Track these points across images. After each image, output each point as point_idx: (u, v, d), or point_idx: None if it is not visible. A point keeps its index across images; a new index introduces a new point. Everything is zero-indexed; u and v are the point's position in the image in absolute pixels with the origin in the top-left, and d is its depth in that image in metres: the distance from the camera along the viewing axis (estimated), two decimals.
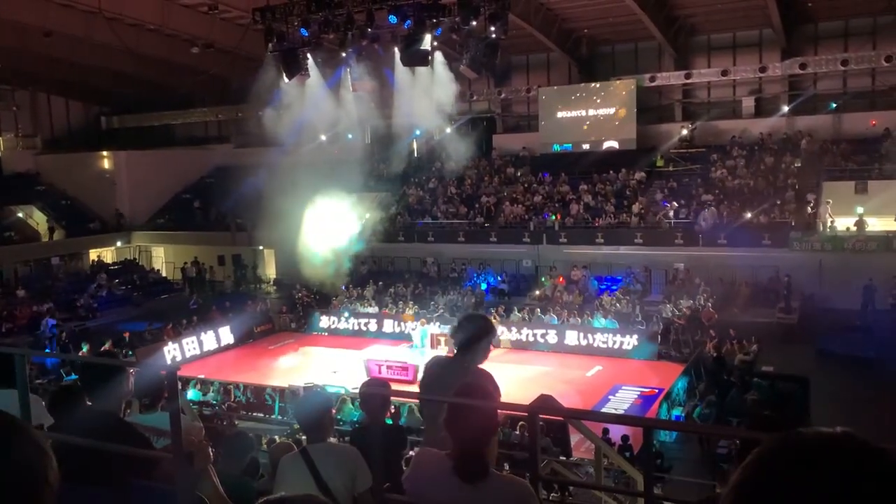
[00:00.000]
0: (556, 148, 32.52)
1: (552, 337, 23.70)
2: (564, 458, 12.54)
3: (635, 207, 27.75)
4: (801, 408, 16.42)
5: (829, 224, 25.32)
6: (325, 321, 27.18)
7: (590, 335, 23.30)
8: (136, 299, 31.21)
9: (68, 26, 27.97)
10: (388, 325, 26.00)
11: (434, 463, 2.96)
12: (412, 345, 23.76)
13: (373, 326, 26.27)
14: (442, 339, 23.40)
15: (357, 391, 17.64)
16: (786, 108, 29.77)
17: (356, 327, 26.49)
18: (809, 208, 25.64)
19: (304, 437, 5.45)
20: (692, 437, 15.15)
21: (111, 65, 32.84)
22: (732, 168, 28.48)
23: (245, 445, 5.47)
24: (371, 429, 3.41)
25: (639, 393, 19.41)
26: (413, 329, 24.35)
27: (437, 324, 24.05)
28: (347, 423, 15.88)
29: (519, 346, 23.88)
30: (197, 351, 24.11)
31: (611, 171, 30.22)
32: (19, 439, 1.18)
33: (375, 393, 3.38)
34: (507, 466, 7.76)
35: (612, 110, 31.26)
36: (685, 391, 19.10)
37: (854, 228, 24.94)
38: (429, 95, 23.55)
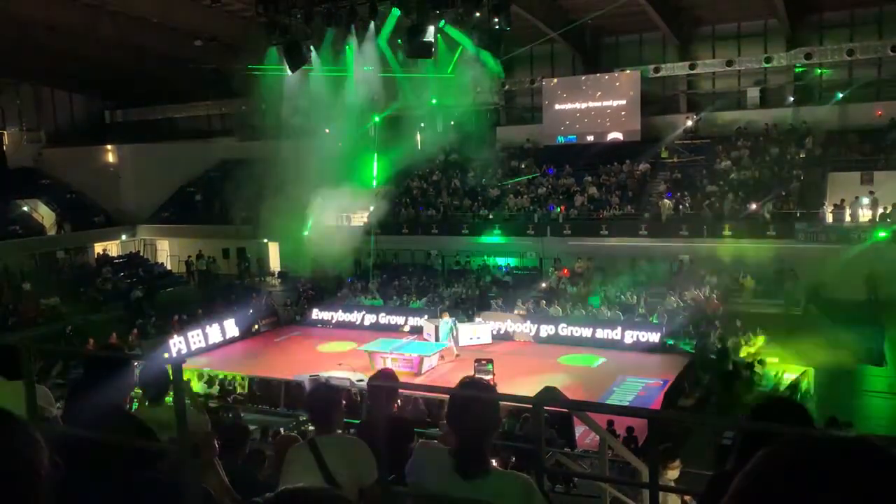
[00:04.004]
0: (560, 140, 32.44)
1: (556, 329, 23.69)
2: (569, 450, 12.55)
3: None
4: (806, 400, 16.44)
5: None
6: (329, 314, 27.22)
7: (594, 327, 23.29)
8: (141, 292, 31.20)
9: (71, 20, 27.95)
10: (393, 318, 26.01)
11: (434, 459, 2.93)
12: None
13: (377, 319, 26.29)
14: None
15: (362, 383, 17.59)
16: (791, 99, 29.63)
17: (361, 320, 26.53)
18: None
19: (311, 429, 5.45)
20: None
21: (114, 58, 32.80)
22: (737, 159, 28.37)
23: (240, 436, 5.48)
24: (377, 421, 3.41)
25: (644, 384, 19.40)
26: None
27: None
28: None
29: (523, 338, 23.92)
30: (202, 344, 24.18)
31: (615, 163, 30.13)
32: (12, 432, 1.18)
33: (382, 385, 3.37)
34: (513, 459, 7.78)
35: (616, 101, 31.14)
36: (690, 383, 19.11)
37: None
38: (433, 87, 23.50)
